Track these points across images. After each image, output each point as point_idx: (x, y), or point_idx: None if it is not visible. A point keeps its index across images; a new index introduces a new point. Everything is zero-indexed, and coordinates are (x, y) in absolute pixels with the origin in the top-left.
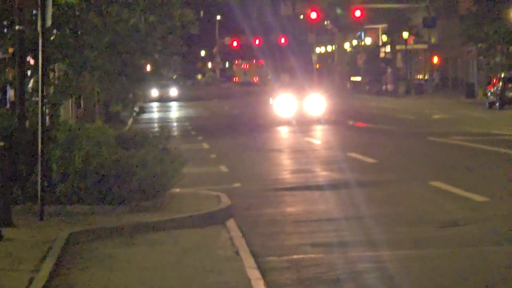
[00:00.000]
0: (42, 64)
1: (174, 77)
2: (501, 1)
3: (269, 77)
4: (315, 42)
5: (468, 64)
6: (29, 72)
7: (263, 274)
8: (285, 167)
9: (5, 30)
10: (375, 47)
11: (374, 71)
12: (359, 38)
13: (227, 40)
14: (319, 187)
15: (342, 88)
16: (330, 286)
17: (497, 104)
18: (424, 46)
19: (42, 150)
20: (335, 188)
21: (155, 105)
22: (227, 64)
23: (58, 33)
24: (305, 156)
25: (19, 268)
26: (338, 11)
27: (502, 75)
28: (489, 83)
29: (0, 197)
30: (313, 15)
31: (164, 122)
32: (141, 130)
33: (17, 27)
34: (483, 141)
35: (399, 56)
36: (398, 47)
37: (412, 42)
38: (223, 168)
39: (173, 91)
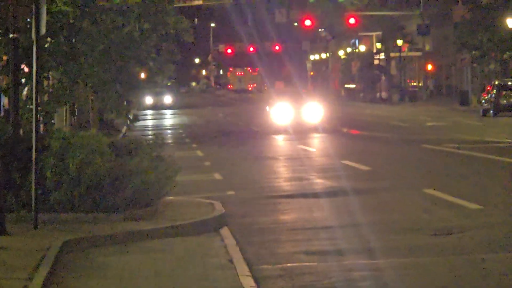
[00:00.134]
0: (36, 72)
1: (169, 84)
2: (495, 8)
3: (265, 84)
4: (310, 49)
5: (462, 71)
6: (23, 80)
7: (257, 282)
8: (279, 174)
9: None
10: (369, 54)
11: (368, 79)
12: (353, 46)
13: (221, 47)
14: (313, 195)
15: (336, 95)
16: None
17: (491, 111)
18: (418, 54)
19: (36, 158)
20: (329, 196)
21: (149, 112)
22: (221, 72)
23: (52, 41)
24: (299, 164)
25: (12, 277)
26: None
27: (496, 83)
28: (483, 90)
29: None
30: (308, 22)
31: (158, 130)
32: (135, 137)
33: (11, 35)
34: (477, 149)
35: (393, 63)
36: (392, 54)
37: (406, 49)
38: (217, 176)
39: (167, 99)
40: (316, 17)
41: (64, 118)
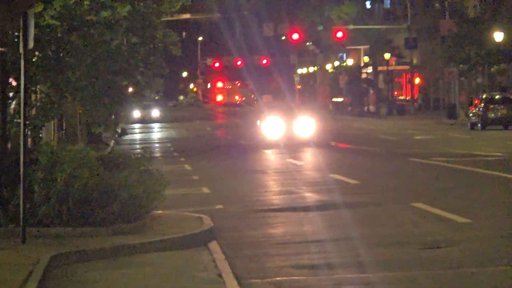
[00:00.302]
0: (24, 86)
1: (156, 98)
2: (482, 22)
3: (255, 98)
4: (297, 63)
5: (449, 85)
6: (11, 94)
7: None
8: (268, 188)
9: None
10: (357, 68)
11: (356, 92)
12: (341, 59)
13: (209, 61)
14: (302, 209)
15: (324, 109)
16: None
17: (479, 125)
18: (406, 67)
19: (24, 172)
20: (318, 210)
21: (137, 126)
22: (209, 85)
23: (40, 55)
24: (287, 178)
25: None
26: (320, 27)
27: (484, 96)
28: (470, 104)
29: None
30: (295, 36)
31: (146, 144)
32: (123, 151)
33: None
34: (466, 162)
35: (381, 77)
36: (380, 68)
37: (394, 63)
38: (206, 190)
39: (155, 112)
40: (304, 31)
41: (52, 132)
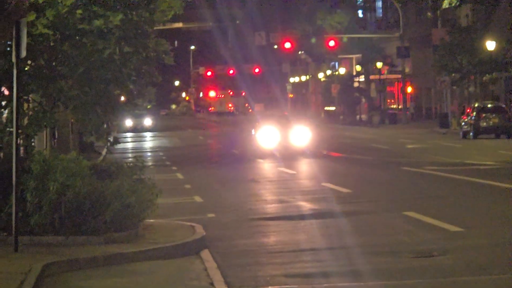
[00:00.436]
0: (17, 95)
1: (149, 107)
2: (474, 31)
3: (249, 107)
4: (290, 71)
5: (441, 93)
6: (3, 103)
7: None
8: (260, 197)
9: None
10: (349, 76)
11: (348, 101)
12: (333, 68)
13: (201, 69)
14: (294, 217)
15: (316, 117)
16: None
17: (471, 133)
18: (398, 76)
19: (16, 181)
20: (310, 218)
21: (129, 135)
22: (201, 94)
23: (33, 63)
24: (279, 187)
25: None
26: (313, 40)
27: (476, 105)
28: (462, 113)
29: None
30: (287, 45)
31: (139, 152)
32: (115, 160)
33: None
34: (458, 171)
35: (373, 86)
36: (372, 76)
37: (386, 72)
38: (198, 199)
39: (148, 121)
40: (296, 40)
41: (45, 141)
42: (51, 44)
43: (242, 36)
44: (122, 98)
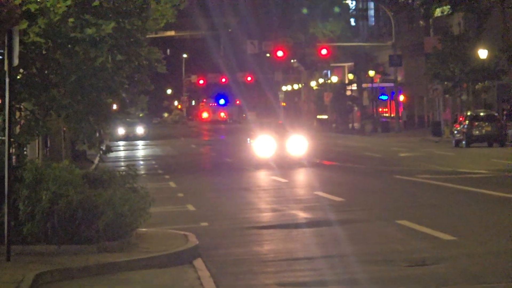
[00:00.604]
0: (9, 103)
1: (141, 115)
2: (467, 39)
3: (244, 115)
4: (282, 80)
5: (434, 102)
6: None
7: None
8: (253, 206)
9: None
10: (342, 85)
11: (341, 109)
12: (326, 76)
13: (193, 78)
14: (287, 226)
15: (309, 126)
16: None
17: (464, 142)
18: (390, 84)
19: (8, 190)
20: (303, 227)
21: (121, 143)
22: (193, 102)
23: (25, 72)
24: (273, 195)
25: None
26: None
27: (469, 113)
28: (455, 121)
29: None
30: (280, 53)
31: (131, 161)
32: (108, 169)
33: None
34: (451, 180)
35: (365, 94)
36: (364, 85)
37: (378, 80)
38: (190, 207)
39: (140, 130)
40: (289, 48)
41: (37, 149)
42: (43, 52)
43: (235, 44)
44: (115, 107)
